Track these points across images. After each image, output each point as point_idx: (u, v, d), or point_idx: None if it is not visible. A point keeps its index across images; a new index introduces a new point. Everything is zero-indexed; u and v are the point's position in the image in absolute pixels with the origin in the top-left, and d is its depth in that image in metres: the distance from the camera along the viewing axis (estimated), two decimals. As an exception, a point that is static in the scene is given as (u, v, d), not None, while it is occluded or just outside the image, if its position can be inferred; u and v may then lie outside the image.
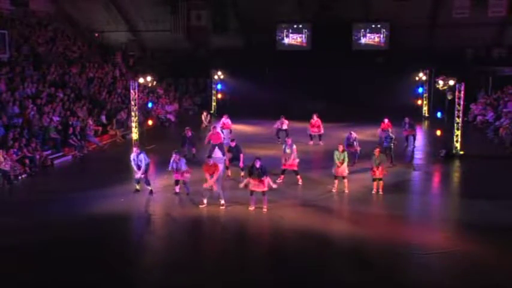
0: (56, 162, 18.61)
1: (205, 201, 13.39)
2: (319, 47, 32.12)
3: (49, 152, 19.04)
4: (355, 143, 17.74)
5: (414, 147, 20.67)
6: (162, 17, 33.55)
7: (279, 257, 10.66)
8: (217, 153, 18.21)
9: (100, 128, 22.96)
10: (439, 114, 24.21)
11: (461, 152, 19.08)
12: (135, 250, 11.21)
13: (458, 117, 19.11)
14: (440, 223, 12.63)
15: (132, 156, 14.49)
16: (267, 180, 13.05)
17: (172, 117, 29.04)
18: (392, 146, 17.67)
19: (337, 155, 14.48)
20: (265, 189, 13.04)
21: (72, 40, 31.00)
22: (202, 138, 20.21)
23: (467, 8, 30.02)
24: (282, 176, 15.54)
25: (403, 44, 31.07)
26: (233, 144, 16.11)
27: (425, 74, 28.75)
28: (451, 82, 19.62)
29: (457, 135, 19.17)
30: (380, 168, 14.36)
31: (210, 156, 15.38)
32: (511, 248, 10.87)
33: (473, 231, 11.68)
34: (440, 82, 20.58)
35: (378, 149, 14.68)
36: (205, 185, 13.32)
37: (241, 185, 13.34)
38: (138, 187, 14.69)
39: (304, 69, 30.38)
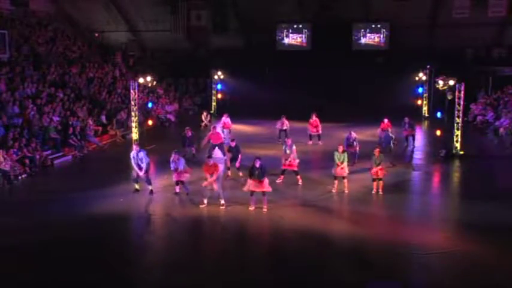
0: (56, 162, 18.61)
1: (205, 201, 13.39)
2: (319, 47, 32.13)
3: (49, 152, 19.04)
4: (355, 143, 17.74)
5: (414, 147, 20.67)
6: (162, 17, 33.56)
7: (279, 257, 10.66)
8: (218, 153, 18.20)
9: (100, 128, 22.96)
10: (439, 114, 24.22)
11: (461, 152, 19.08)
12: (135, 250, 11.22)
13: (458, 117, 19.10)
14: (440, 223, 12.63)
15: (132, 154, 14.46)
16: (266, 181, 13.05)
17: (172, 117, 29.05)
18: (392, 146, 17.67)
19: (337, 155, 14.48)
20: (265, 189, 13.04)
21: (72, 40, 31.00)
22: (202, 138, 20.24)
23: (467, 8, 30.03)
24: (282, 176, 15.54)
25: (403, 44, 31.08)
26: (233, 144, 16.12)
27: (425, 74, 28.75)
28: (451, 82, 19.63)
29: (457, 135, 19.17)
30: (380, 168, 14.37)
31: (210, 156, 15.37)
32: (511, 248, 10.87)
33: (473, 231, 11.68)
34: (440, 82, 20.59)
35: (377, 149, 14.68)
36: (204, 184, 13.32)
37: (245, 189, 13.23)
38: (137, 187, 14.68)
39: (304, 69, 30.39)
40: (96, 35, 34.72)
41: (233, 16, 33.06)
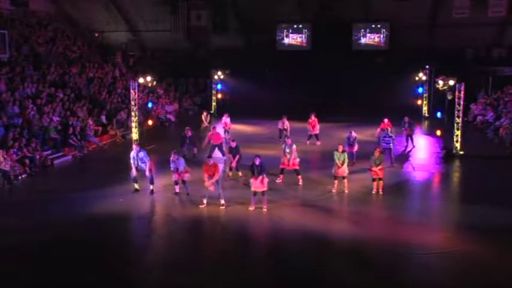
0: (56, 162, 18.60)
1: (205, 201, 13.39)
2: (319, 47, 32.14)
3: (49, 152, 19.03)
4: (355, 142, 17.74)
5: (414, 147, 20.68)
6: (162, 17, 33.56)
7: (279, 257, 10.66)
8: (217, 153, 18.21)
9: (100, 128, 22.97)
10: (439, 114, 24.24)
11: (461, 152, 19.08)
12: (135, 250, 11.22)
13: (458, 117, 19.11)
14: (440, 223, 12.62)
15: (132, 154, 14.46)
16: (266, 180, 13.06)
17: (172, 117, 29.05)
18: (392, 147, 17.67)
19: (337, 155, 14.48)
20: (265, 189, 13.05)
21: (72, 40, 31.01)
22: (203, 138, 20.22)
23: (467, 8, 30.03)
24: (281, 176, 15.56)
25: (403, 44, 31.09)
26: (233, 144, 16.12)
27: (425, 74, 28.75)
28: (451, 82, 19.64)
29: (457, 135, 19.17)
30: (380, 168, 14.36)
31: (210, 156, 15.37)
32: (511, 248, 10.87)
33: (473, 232, 11.67)
34: (440, 82, 20.61)
35: (378, 149, 14.68)
36: (206, 184, 13.29)
37: (253, 189, 13.11)
38: (137, 187, 14.68)
39: (304, 69, 30.39)
40: (96, 35, 34.73)
41: (233, 16, 33.06)
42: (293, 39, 33.85)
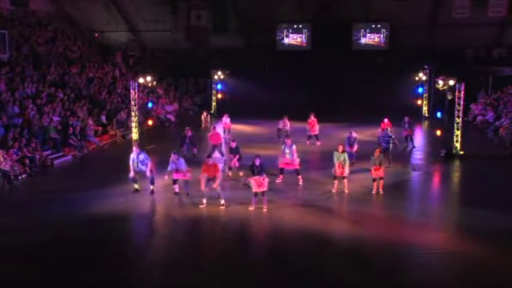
0: (56, 162, 18.60)
1: (204, 201, 13.39)
2: (319, 47, 32.15)
3: (49, 152, 19.03)
4: (355, 142, 17.73)
5: (414, 147, 20.68)
6: (162, 17, 33.56)
7: (279, 257, 10.66)
8: (217, 153, 18.22)
9: (100, 128, 22.97)
10: (439, 114, 24.23)
11: (461, 152, 19.08)
12: (135, 250, 11.22)
13: (458, 117, 19.11)
14: (440, 223, 12.62)
15: (132, 156, 14.44)
16: (266, 180, 13.07)
17: (172, 117, 29.06)
18: (390, 147, 17.64)
19: (336, 155, 14.47)
20: (266, 189, 13.05)
21: (72, 40, 31.01)
22: (203, 138, 20.26)
23: (467, 8, 30.04)
24: (281, 176, 15.56)
25: (403, 44, 31.10)
26: (234, 145, 16.12)
27: (425, 74, 28.75)
28: (451, 82, 19.62)
29: (457, 135, 19.17)
30: (380, 168, 14.36)
31: (209, 156, 15.37)
32: (511, 248, 10.87)
33: (473, 232, 11.67)
34: (440, 82, 20.59)
35: (378, 150, 14.69)
36: (201, 189, 13.28)
37: (254, 190, 13.07)
38: (137, 187, 14.68)
39: (304, 69, 30.40)
40: (96, 35, 34.73)
41: (233, 16, 33.07)
42: (293, 39, 33.86)
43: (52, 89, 23.34)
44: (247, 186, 13.66)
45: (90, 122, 22.19)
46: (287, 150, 15.39)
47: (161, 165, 16.11)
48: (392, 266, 10.15)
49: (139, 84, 21.58)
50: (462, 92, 18.95)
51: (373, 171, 14.42)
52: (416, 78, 29.41)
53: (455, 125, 19.17)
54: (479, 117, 26.43)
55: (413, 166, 18.06)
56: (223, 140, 19.51)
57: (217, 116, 28.21)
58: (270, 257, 10.78)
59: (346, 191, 14.52)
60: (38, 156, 17.66)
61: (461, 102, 19.05)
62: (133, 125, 21.08)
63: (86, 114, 22.96)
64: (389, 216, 13.03)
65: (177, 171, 14.11)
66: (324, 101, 27.47)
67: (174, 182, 14.33)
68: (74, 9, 33.46)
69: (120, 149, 21.30)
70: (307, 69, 30.30)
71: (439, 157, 18.92)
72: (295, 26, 33.63)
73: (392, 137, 17.91)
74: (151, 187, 14.50)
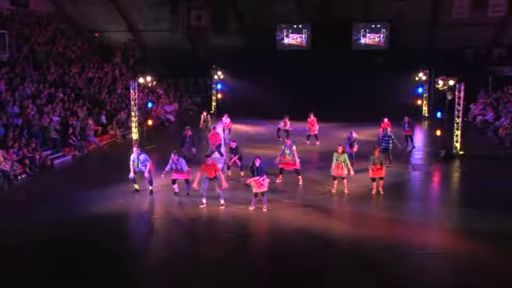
0: (56, 162, 18.59)
1: (204, 201, 13.39)
2: (319, 47, 32.12)
3: (49, 152, 19.02)
4: (355, 143, 17.72)
5: (413, 147, 20.68)
6: (162, 17, 33.55)
7: (279, 257, 10.66)
8: (216, 153, 18.22)
9: (100, 128, 22.96)
10: (439, 114, 24.21)
11: (461, 152, 19.08)
12: (135, 250, 11.21)
13: (458, 117, 19.11)
14: (440, 223, 12.61)
15: (133, 157, 14.44)
16: (267, 180, 13.07)
17: (172, 117, 29.06)
18: (390, 147, 17.63)
19: (336, 156, 14.45)
20: (266, 189, 13.05)
21: (72, 40, 31.00)
22: (203, 138, 20.26)
23: (467, 8, 30.01)
24: (281, 176, 15.56)
25: (403, 44, 31.10)
26: (234, 145, 16.11)
27: (425, 74, 28.75)
28: (451, 82, 19.61)
29: (457, 135, 19.17)
30: (380, 167, 14.36)
31: (208, 156, 15.36)
32: (511, 249, 10.87)
33: (473, 232, 11.67)
34: (440, 82, 20.57)
35: (378, 149, 14.68)
36: (193, 185, 13.42)
37: (255, 191, 13.11)
38: (137, 187, 14.68)
39: (304, 69, 30.37)
40: (96, 35, 34.70)
41: (233, 16, 33.05)
42: (293, 39, 33.83)
43: (52, 89, 23.34)
44: (248, 187, 13.66)
45: (90, 122, 22.18)
46: (287, 151, 15.38)
47: (161, 165, 16.12)
48: (392, 266, 10.15)
49: (139, 84, 21.58)
50: (462, 92, 18.95)
51: (370, 171, 14.41)
52: (416, 78, 29.40)
53: (455, 125, 19.17)
54: (479, 117, 26.42)
55: (413, 166, 18.06)
56: (222, 140, 19.50)
57: (217, 116, 28.18)
58: (270, 257, 10.78)
59: (346, 191, 14.52)
60: (38, 156, 17.65)
61: (461, 102, 19.05)
62: (133, 125, 21.08)
63: (86, 114, 22.95)
64: (389, 216, 13.02)
65: (177, 171, 14.10)
66: (323, 101, 27.44)
67: (174, 182, 14.34)
68: (74, 9, 33.44)
69: (120, 149, 21.30)
70: (307, 69, 30.29)
71: (439, 157, 18.92)
72: (295, 26, 33.60)
73: (392, 136, 17.91)
74: (151, 187, 14.50)
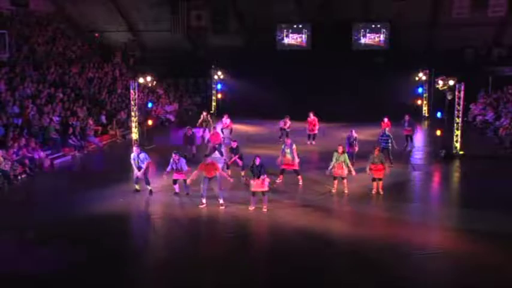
0: (56, 162, 18.59)
1: (204, 201, 13.39)
2: (319, 47, 32.12)
3: (49, 152, 19.02)
4: (355, 142, 17.72)
5: (413, 147, 20.67)
6: (162, 17, 33.55)
7: (279, 257, 10.66)
8: (216, 153, 18.22)
9: (100, 128, 22.97)
10: (439, 114, 24.21)
11: (461, 152, 19.08)
12: (135, 250, 11.21)
13: (458, 117, 19.11)
14: (440, 223, 12.61)
15: (133, 156, 14.46)
16: (267, 180, 13.07)
17: (172, 117, 29.07)
18: (389, 147, 17.62)
19: (336, 156, 14.45)
20: (266, 189, 13.05)
21: (72, 40, 31.00)
22: (203, 138, 20.25)
23: (467, 8, 30.01)
24: (281, 176, 15.56)
25: (403, 44, 31.10)
26: (234, 144, 16.11)
27: (425, 74, 28.75)
28: (451, 82, 19.61)
29: (457, 135, 19.17)
30: (380, 168, 14.36)
31: (207, 155, 15.34)
32: (511, 249, 10.87)
33: (473, 232, 11.66)
34: (440, 82, 20.58)
35: (377, 148, 14.69)
36: (187, 181, 13.67)
37: (252, 189, 13.18)
38: (137, 187, 14.69)
39: (304, 69, 30.37)
40: (96, 35, 34.71)
41: (233, 16, 33.06)
42: (293, 39, 33.83)
43: (52, 89, 23.34)
44: (248, 186, 13.65)
45: (90, 122, 22.18)
46: (287, 150, 15.38)
47: (161, 165, 16.13)
48: (392, 266, 10.15)
49: (139, 84, 21.58)
50: (462, 92, 18.95)
51: (368, 170, 14.42)
52: (416, 78, 29.42)
53: (455, 125, 19.17)
54: (479, 117, 26.43)
55: (413, 166, 18.06)
56: (222, 139, 19.51)
57: (217, 116, 28.18)
58: (270, 257, 10.78)
59: (346, 191, 14.52)
60: (37, 156, 17.64)
61: (461, 102, 19.06)
62: (133, 125, 21.09)
63: (86, 114, 22.95)
64: (389, 216, 13.02)
65: (177, 171, 14.11)
66: (323, 100, 27.43)
67: (175, 182, 14.34)
68: (74, 9, 33.44)
69: (120, 149, 21.31)
70: (307, 69, 30.28)
71: (439, 157, 18.92)
72: (295, 26, 33.60)
73: (391, 136, 17.89)
74: (149, 187, 14.49)
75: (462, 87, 18.93)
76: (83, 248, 10.89)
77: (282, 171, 15.55)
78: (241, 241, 11.50)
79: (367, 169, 14.43)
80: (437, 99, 25.75)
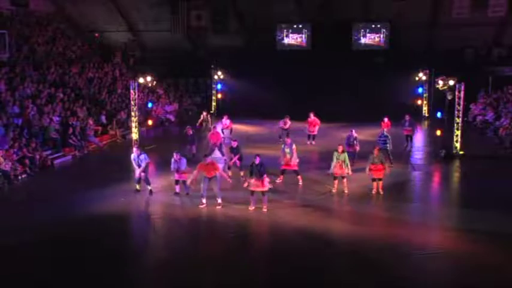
0: (56, 162, 18.59)
1: (204, 201, 13.39)
2: (319, 47, 32.11)
3: (49, 152, 19.03)
4: (355, 142, 17.72)
5: (413, 147, 20.67)
6: (162, 17, 33.54)
7: (279, 257, 10.66)
8: (216, 152, 18.23)
9: (100, 128, 22.97)
10: (439, 114, 24.22)
11: (461, 152, 19.08)
12: (135, 250, 11.22)
13: (458, 117, 19.11)
14: (440, 223, 12.61)
15: (133, 156, 14.48)
16: (267, 180, 13.07)
17: (172, 117, 29.06)
18: (388, 147, 17.60)
19: (336, 155, 14.46)
20: (265, 189, 13.05)
21: (72, 40, 31.00)
22: (203, 137, 20.24)
23: (467, 8, 30.00)
24: (282, 176, 15.56)
25: (403, 44, 31.08)
26: (234, 144, 16.12)
27: (425, 74, 28.75)
28: (451, 82, 19.61)
29: (457, 135, 19.17)
30: (380, 167, 14.36)
31: (207, 155, 15.33)
32: (511, 249, 10.87)
33: (473, 232, 11.67)
34: (440, 82, 20.58)
35: (377, 148, 14.69)
36: (187, 182, 13.55)
37: (245, 186, 13.31)
38: (138, 187, 14.69)
39: (304, 69, 30.36)
40: (96, 35, 34.70)
41: (233, 16, 33.05)
42: (293, 39, 33.79)
43: (52, 89, 23.34)
44: (246, 187, 13.64)
45: (90, 122, 22.19)
46: (287, 150, 15.39)
47: (161, 165, 16.16)
48: (392, 266, 10.15)
49: (139, 84, 21.59)
50: (462, 92, 18.95)
51: (368, 170, 14.42)
52: (416, 78, 29.41)
53: (455, 125, 19.17)
54: (479, 117, 26.42)
55: (413, 166, 18.06)
56: (222, 139, 19.51)
57: (217, 116, 28.17)
58: (270, 257, 10.78)
59: (346, 191, 14.52)
60: (38, 156, 17.65)
61: (461, 102, 19.06)
62: (133, 125, 21.08)
63: (86, 114, 22.95)
64: (389, 216, 13.03)
65: (177, 171, 14.12)
66: (323, 101, 27.42)
67: (177, 182, 14.36)
68: (74, 9, 33.43)
69: (120, 149, 21.31)
70: (307, 69, 30.27)
71: (439, 157, 18.92)
72: (295, 26, 33.57)
73: (389, 136, 17.87)
74: (149, 187, 14.50)
75: (462, 87, 18.93)
76: (83, 248, 10.89)
77: (283, 172, 15.54)
78: (241, 241, 11.51)
79: (367, 169, 14.44)
80: (437, 99, 25.76)
